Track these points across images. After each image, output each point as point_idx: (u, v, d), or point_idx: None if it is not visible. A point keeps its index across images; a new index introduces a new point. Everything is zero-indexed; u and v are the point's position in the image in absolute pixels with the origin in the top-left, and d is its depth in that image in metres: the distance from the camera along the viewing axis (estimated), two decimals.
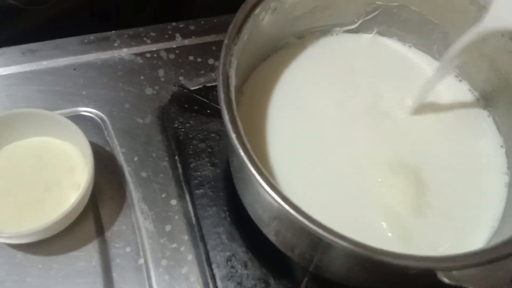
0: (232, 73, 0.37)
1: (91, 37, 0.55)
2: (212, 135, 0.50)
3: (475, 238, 0.41)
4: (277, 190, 0.33)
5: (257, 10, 0.40)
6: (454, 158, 0.45)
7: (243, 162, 0.33)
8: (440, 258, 0.31)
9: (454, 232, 0.41)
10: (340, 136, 0.44)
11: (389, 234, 0.39)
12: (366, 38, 0.51)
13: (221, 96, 0.35)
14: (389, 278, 0.38)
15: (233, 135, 0.34)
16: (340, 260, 0.36)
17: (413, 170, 0.43)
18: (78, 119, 0.50)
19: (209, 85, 0.53)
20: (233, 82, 0.37)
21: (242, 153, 0.33)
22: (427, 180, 0.42)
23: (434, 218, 0.41)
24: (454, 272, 0.31)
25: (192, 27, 0.57)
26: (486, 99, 0.48)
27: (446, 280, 0.31)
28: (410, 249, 0.39)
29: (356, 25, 0.50)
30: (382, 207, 0.41)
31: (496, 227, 0.42)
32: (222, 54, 0.37)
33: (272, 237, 0.41)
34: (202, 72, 0.55)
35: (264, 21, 0.42)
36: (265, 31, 0.44)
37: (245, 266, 0.44)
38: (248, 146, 0.34)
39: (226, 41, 0.38)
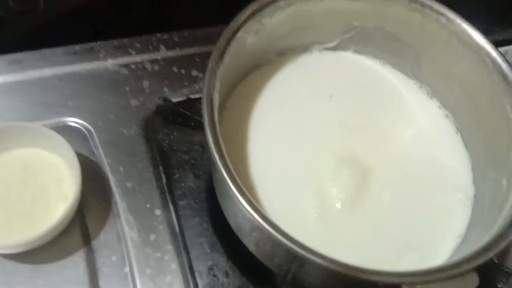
0: (216, 95, 0.39)
1: (77, 47, 0.56)
2: (196, 147, 0.52)
3: (440, 250, 0.44)
4: (257, 209, 0.35)
5: (240, 34, 0.42)
6: (416, 167, 0.48)
7: (226, 183, 0.35)
8: (405, 273, 0.34)
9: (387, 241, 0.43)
10: (316, 147, 0.47)
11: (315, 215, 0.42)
12: (344, 55, 0.53)
13: (205, 118, 0.37)
14: None
15: (216, 156, 0.36)
16: (314, 272, 0.39)
17: (364, 170, 0.45)
18: (64, 130, 0.51)
19: (193, 97, 0.55)
20: (216, 103, 0.39)
21: (225, 174, 0.35)
22: (373, 181, 0.45)
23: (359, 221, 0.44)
24: (418, 286, 0.34)
25: (176, 39, 0.59)
26: (455, 116, 0.51)
27: None
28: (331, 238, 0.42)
29: (334, 43, 0.52)
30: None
31: (462, 237, 0.45)
32: (206, 78, 0.39)
33: (252, 248, 0.43)
34: (186, 83, 0.57)
35: (246, 43, 0.44)
36: (247, 51, 0.46)
37: (226, 275, 0.46)
38: (230, 166, 0.36)
39: (210, 65, 0.39)
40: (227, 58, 0.41)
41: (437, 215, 0.46)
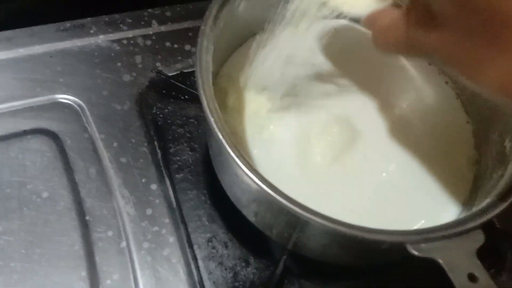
0: (209, 59, 0.38)
1: (68, 24, 0.55)
2: (191, 120, 0.51)
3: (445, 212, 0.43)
4: (255, 171, 0.34)
5: None
6: (416, 134, 0.47)
7: (221, 145, 0.34)
8: (408, 231, 0.33)
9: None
10: (316, 108, 0.46)
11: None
12: (342, 22, 0.52)
13: (199, 82, 0.36)
14: (363, 253, 0.40)
15: (211, 119, 0.35)
16: (316, 237, 0.38)
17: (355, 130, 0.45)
18: (56, 107, 0.50)
19: (186, 71, 0.54)
20: (210, 67, 0.38)
21: (220, 136, 0.34)
22: (363, 145, 0.44)
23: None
24: (422, 245, 0.33)
25: (168, 13, 0.58)
26: (455, 82, 0.50)
27: (415, 253, 0.33)
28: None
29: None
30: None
31: (466, 202, 0.44)
32: (199, 40, 0.38)
33: (251, 218, 0.42)
34: (179, 58, 0.55)
35: (240, 7, 0.43)
36: (241, 17, 0.44)
37: (226, 247, 0.45)
38: (227, 129, 0.35)
39: (202, 27, 0.38)
40: (220, 22, 0.40)
41: (439, 182, 0.45)
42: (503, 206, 0.35)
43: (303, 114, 0.45)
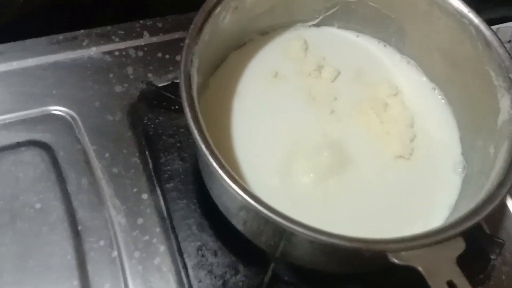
0: (194, 72, 0.39)
1: (60, 37, 0.56)
2: (181, 130, 0.52)
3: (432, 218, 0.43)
4: (240, 184, 0.35)
5: (218, 10, 0.42)
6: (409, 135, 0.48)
7: (206, 158, 0.35)
8: (389, 240, 0.34)
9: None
10: (297, 122, 0.47)
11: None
12: (328, 31, 0.53)
13: (183, 95, 0.37)
14: (348, 261, 0.40)
15: (195, 131, 0.36)
16: (301, 245, 0.38)
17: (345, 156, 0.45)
18: (49, 118, 0.51)
19: (177, 81, 0.54)
20: (195, 80, 0.39)
21: (204, 149, 0.35)
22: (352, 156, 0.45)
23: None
24: (403, 253, 0.33)
25: (159, 25, 0.59)
26: (442, 89, 0.50)
27: (395, 261, 0.33)
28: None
29: (317, 21, 0.52)
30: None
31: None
32: (183, 54, 0.39)
33: (239, 227, 0.43)
34: (171, 68, 0.56)
35: (225, 20, 0.44)
36: (227, 29, 0.45)
37: (215, 255, 0.46)
38: (210, 141, 0.36)
39: (187, 41, 0.39)
40: (205, 35, 0.41)
41: (427, 188, 0.46)
42: (483, 213, 0.36)
43: (295, 130, 0.45)
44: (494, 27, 0.65)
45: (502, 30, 0.67)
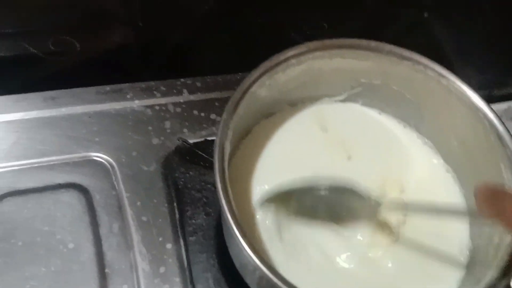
0: (227, 144, 0.43)
1: (107, 88, 0.61)
2: (208, 185, 0.56)
3: None
4: (261, 257, 0.38)
5: (253, 88, 0.46)
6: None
7: (230, 227, 0.39)
8: None
9: None
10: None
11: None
12: (353, 107, 0.57)
13: (216, 167, 0.41)
14: None
15: (223, 202, 0.39)
16: None
17: None
18: (89, 164, 0.56)
19: (210, 138, 0.59)
20: (227, 151, 0.43)
21: (230, 220, 0.39)
22: None
23: None
24: None
25: (198, 84, 0.63)
26: (456, 171, 0.53)
27: None
28: None
29: (343, 97, 0.55)
30: None
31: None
32: (220, 128, 0.43)
33: (253, 286, 0.46)
34: (205, 125, 0.61)
35: (259, 95, 0.48)
36: (259, 102, 0.49)
37: None
38: (236, 211, 0.40)
39: (224, 116, 0.43)
40: (240, 110, 0.45)
41: (432, 273, 0.48)
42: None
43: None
44: None
45: None
